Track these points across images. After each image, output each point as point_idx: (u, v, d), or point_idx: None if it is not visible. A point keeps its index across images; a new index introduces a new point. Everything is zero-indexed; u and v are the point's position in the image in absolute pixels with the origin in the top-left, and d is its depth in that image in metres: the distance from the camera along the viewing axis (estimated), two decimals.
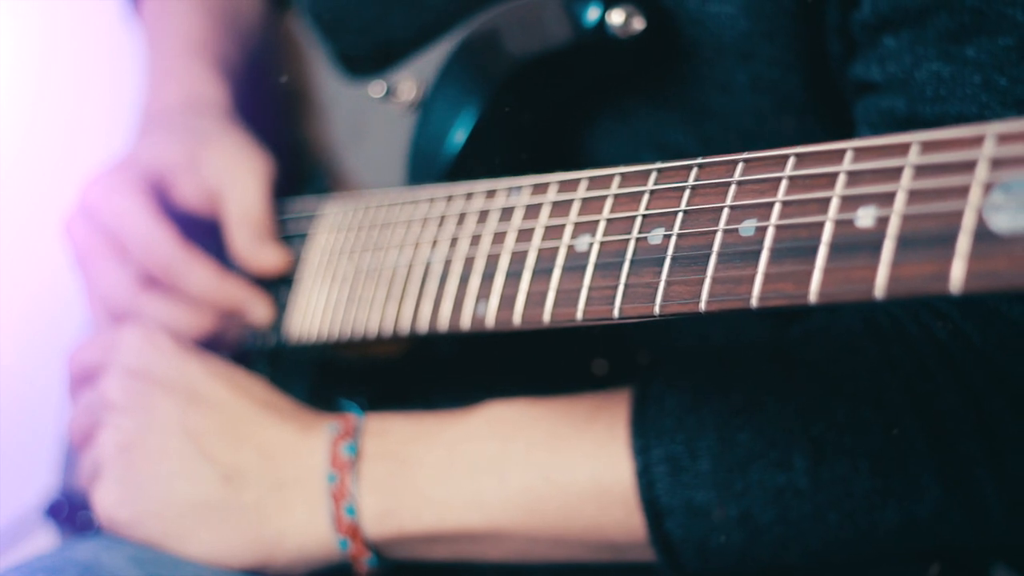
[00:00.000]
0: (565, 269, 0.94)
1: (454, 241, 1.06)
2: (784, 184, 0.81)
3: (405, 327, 1.09)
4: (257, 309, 1.28)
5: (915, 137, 0.74)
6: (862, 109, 1.06)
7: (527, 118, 1.18)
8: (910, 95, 1.01)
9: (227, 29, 1.50)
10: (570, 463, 1.07)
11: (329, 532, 1.12)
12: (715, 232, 0.84)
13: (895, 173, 0.74)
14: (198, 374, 1.18)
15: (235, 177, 1.29)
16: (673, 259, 0.86)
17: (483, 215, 1.04)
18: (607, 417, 1.08)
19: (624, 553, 1.09)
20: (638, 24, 1.09)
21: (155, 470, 1.14)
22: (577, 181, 0.96)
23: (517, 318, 0.97)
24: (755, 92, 1.11)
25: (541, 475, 1.08)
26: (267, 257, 1.28)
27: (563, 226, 0.96)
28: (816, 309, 1.00)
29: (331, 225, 1.24)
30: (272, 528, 1.13)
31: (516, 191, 1.01)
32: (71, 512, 1.33)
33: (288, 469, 1.14)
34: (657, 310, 0.87)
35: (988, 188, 0.69)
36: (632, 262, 0.89)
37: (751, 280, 0.81)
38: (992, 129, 0.70)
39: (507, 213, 1.01)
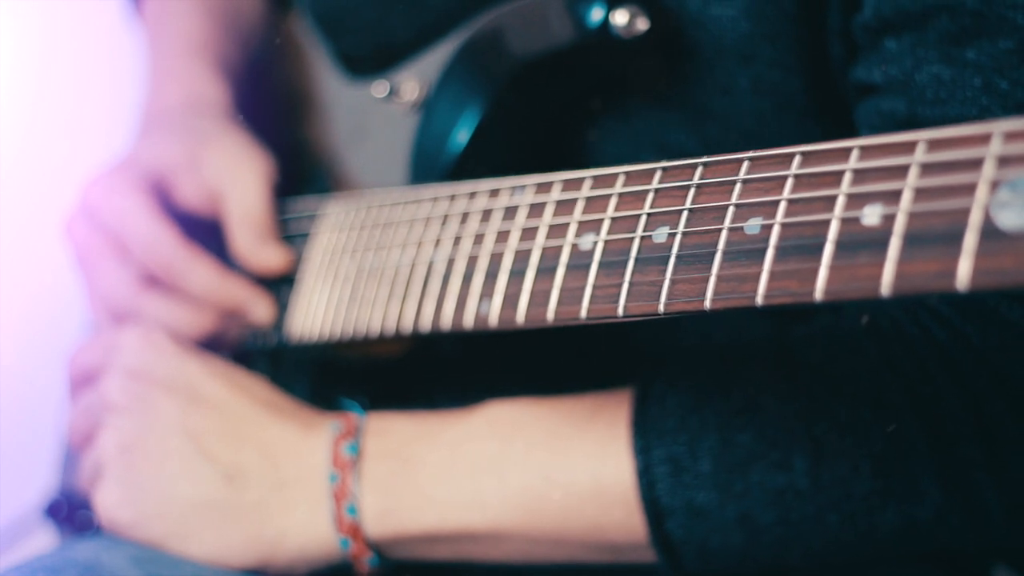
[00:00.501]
0: (569, 267, 0.94)
1: (457, 240, 1.05)
2: (790, 182, 0.81)
3: (408, 326, 1.09)
4: (258, 309, 1.28)
5: (921, 135, 0.74)
6: (863, 111, 1.06)
7: (530, 118, 1.18)
8: (910, 97, 1.01)
9: (228, 29, 1.50)
10: (571, 463, 1.07)
11: (330, 532, 1.12)
12: (720, 230, 0.84)
13: (901, 171, 0.74)
14: (199, 374, 1.18)
15: (236, 177, 1.29)
16: (678, 257, 0.86)
17: (486, 214, 1.03)
18: (608, 417, 1.08)
19: (625, 554, 1.09)
20: (642, 24, 1.09)
21: (156, 471, 1.14)
22: (581, 180, 0.96)
23: (521, 317, 0.97)
24: (756, 94, 1.12)
25: (541, 475, 1.08)
26: (268, 256, 1.28)
27: (567, 225, 0.95)
28: (821, 308, 1.00)
29: (333, 224, 1.24)
30: (273, 528, 1.13)
31: (520, 190, 1.01)
32: (71, 512, 1.32)
33: (289, 469, 1.14)
34: (662, 308, 0.86)
35: (995, 186, 0.69)
36: (636, 260, 0.89)
37: (756, 278, 0.80)
38: (999, 127, 0.70)
39: (511, 212, 1.01)
